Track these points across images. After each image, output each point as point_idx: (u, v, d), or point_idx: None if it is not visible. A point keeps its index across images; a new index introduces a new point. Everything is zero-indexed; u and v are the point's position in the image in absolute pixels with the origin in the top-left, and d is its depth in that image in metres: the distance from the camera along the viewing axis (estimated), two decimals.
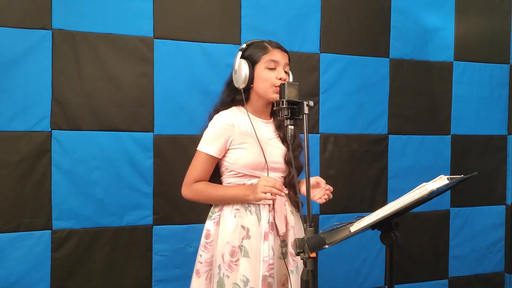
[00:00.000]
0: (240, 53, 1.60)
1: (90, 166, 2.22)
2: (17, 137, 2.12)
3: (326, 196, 1.53)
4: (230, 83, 1.64)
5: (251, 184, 1.58)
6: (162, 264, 2.34)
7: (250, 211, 1.57)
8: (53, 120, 2.17)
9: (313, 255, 1.16)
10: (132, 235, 2.30)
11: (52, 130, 2.17)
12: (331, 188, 1.54)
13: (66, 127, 2.18)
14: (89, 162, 2.21)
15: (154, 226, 2.33)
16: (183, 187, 1.62)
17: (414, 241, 2.83)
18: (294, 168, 1.45)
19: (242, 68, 1.55)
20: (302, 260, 1.18)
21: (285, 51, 1.61)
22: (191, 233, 2.35)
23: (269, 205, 1.55)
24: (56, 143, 2.17)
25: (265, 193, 1.42)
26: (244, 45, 1.61)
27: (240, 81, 1.56)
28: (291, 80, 1.63)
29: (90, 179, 2.22)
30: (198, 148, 1.59)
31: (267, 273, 1.51)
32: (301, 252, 1.17)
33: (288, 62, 1.61)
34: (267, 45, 1.59)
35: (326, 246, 1.15)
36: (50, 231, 2.17)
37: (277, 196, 1.45)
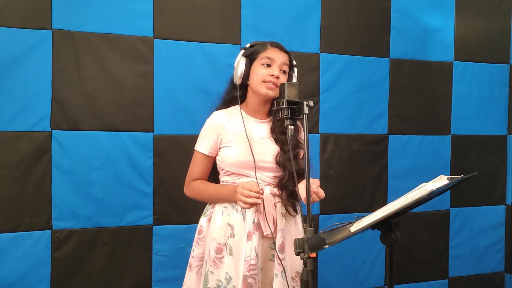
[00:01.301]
0: (242, 51, 1.64)
1: (90, 166, 2.22)
2: (17, 137, 2.12)
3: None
4: (231, 80, 1.68)
5: (237, 183, 1.58)
6: (162, 264, 2.34)
7: (236, 209, 1.58)
8: (53, 120, 2.17)
9: (313, 255, 1.16)
10: (132, 235, 2.30)
11: (52, 130, 2.17)
12: (318, 194, 1.48)
13: (66, 127, 2.19)
14: (89, 162, 2.21)
15: (154, 226, 2.33)
16: (185, 185, 1.69)
17: (414, 241, 2.83)
18: (294, 170, 1.41)
19: (239, 64, 1.60)
20: (301, 261, 1.18)
21: (285, 51, 1.63)
22: (191, 233, 2.31)
23: (256, 204, 1.51)
24: (56, 143, 2.17)
25: (244, 202, 1.45)
26: (248, 45, 1.65)
27: (236, 77, 1.61)
28: (294, 80, 1.64)
29: (90, 179, 2.22)
30: (194, 147, 1.65)
31: (247, 273, 1.50)
32: (301, 252, 1.17)
33: (287, 62, 1.62)
34: (266, 44, 1.63)
35: (326, 246, 1.15)
36: (50, 231, 2.17)
37: (257, 200, 1.45)
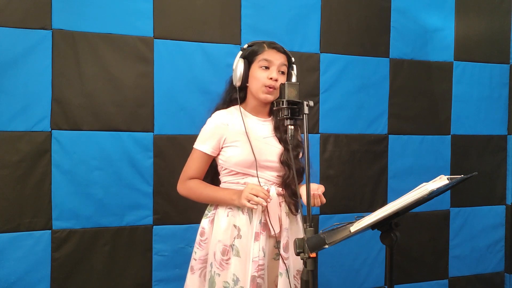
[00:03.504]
0: (240, 52, 1.63)
1: (90, 166, 2.21)
2: (17, 137, 2.11)
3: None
4: (231, 82, 1.68)
5: (245, 183, 1.58)
6: (162, 264, 2.34)
7: (242, 211, 1.57)
8: (53, 120, 2.17)
9: (313, 255, 1.16)
10: (132, 235, 2.30)
11: (52, 130, 2.17)
12: (321, 199, 1.50)
13: (66, 127, 2.19)
14: (89, 162, 2.21)
15: (154, 226, 2.33)
16: (178, 183, 1.67)
17: (414, 241, 2.83)
18: (294, 169, 1.44)
19: (238, 67, 1.60)
20: (302, 260, 1.18)
21: (282, 51, 1.62)
22: (191, 233, 2.33)
23: (261, 204, 1.53)
24: (56, 143, 2.17)
25: (248, 200, 1.45)
26: (245, 45, 1.65)
27: (235, 79, 1.61)
28: (293, 79, 1.65)
29: (90, 179, 2.22)
30: (194, 146, 1.64)
31: (256, 274, 1.50)
32: (301, 252, 1.17)
33: (285, 63, 1.61)
34: (264, 45, 1.61)
35: (326, 246, 1.15)
36: (50, 231, 2.17)
37: (263, 201, 1.46)
